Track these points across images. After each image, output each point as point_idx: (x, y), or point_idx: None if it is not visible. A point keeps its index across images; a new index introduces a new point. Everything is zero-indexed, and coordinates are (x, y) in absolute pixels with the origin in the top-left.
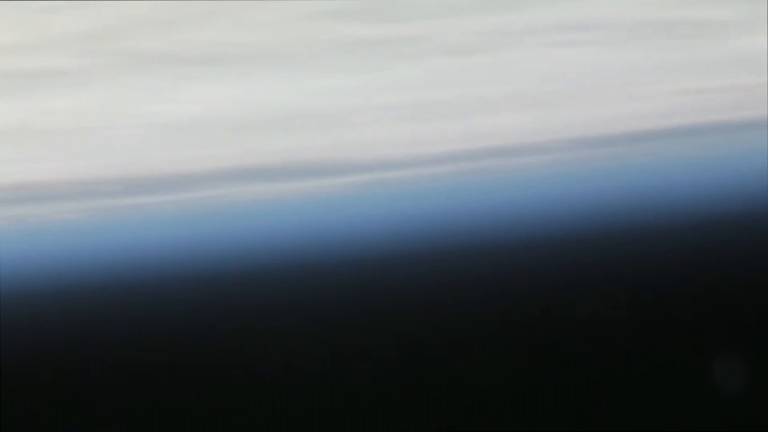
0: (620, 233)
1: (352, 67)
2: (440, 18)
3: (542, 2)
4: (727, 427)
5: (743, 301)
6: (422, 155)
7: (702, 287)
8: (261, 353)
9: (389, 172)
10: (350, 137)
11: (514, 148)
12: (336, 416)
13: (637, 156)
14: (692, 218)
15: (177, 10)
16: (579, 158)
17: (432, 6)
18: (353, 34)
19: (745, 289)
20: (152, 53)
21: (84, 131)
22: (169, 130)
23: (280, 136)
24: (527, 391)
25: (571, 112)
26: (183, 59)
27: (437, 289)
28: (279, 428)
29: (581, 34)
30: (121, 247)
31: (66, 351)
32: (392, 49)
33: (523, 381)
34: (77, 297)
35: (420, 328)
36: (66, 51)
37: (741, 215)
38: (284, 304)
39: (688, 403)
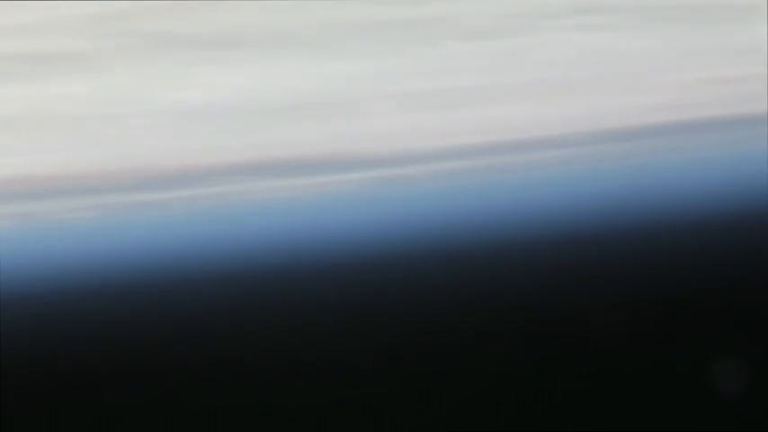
0: (627, 232)
1: (366, 53)
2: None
3: None
4: (728, 427)
5: (743, 300)
6: (437, 148)
7: (702, 287)
8: (266, 353)
9: (404, 167)
10: (365, 128)
11: (530, 142)
12: (337, 416)
13: (654, 151)
14: (700, 216)
15: None
16: (595, 153)
17: None
18: (367, 17)
19: (745, 289)
20: (166, 36)
21: (94, 120)
22: (183, 119)
23: (293, 126)
24: (527, 391)
25: (589, 102)
26: (200, 43)
27: (446, 288)
28: (279, 429)
29: (601, 18)
30: (131, 245)
31: (70, 352)
32: (408, 33)
33: (523, 381)
34: (83, 298)
35: (425, 327)
36: (77, 34)
37: (746, 213)
38: (293, 303)
39: (688, 403)
